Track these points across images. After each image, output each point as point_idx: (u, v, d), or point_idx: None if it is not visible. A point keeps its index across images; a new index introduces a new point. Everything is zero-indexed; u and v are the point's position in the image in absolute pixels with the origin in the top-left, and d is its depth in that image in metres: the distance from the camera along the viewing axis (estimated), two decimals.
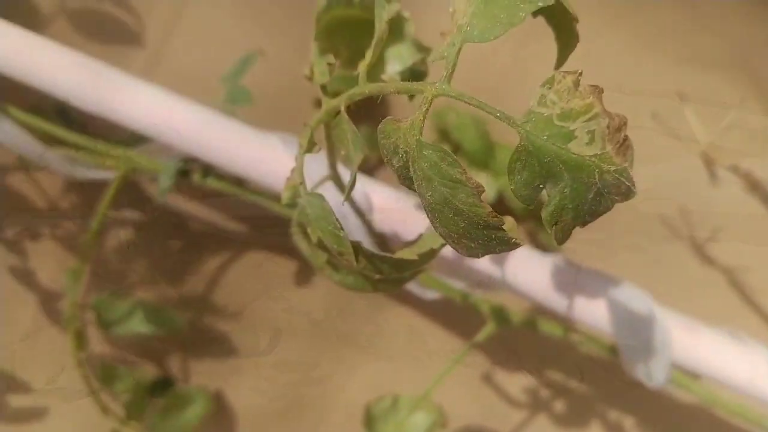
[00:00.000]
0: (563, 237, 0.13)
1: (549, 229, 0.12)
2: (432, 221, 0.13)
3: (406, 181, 0.14)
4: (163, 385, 0.37)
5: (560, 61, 0.16)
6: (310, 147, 0.16)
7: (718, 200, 0.38)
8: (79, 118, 0.35)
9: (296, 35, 0.36)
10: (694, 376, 0.26)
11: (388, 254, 0.16)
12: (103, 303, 0.33)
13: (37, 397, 0.37)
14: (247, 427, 0.39)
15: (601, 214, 0.13)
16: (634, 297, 0.25)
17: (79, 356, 0.32)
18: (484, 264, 0.25)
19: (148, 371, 0.38)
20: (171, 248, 0.37)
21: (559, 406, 0.41)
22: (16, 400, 0.37)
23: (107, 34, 0.36)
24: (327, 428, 0.40)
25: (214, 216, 0.37)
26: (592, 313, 0.25)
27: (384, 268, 0.16)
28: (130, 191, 0.35)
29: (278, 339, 0.38)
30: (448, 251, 0.27)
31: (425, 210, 0.13)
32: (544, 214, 0.12)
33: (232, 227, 0.37)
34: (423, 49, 0.19)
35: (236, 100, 0.26)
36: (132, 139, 0.34)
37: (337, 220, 0.15)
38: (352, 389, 0.40)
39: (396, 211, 0.24)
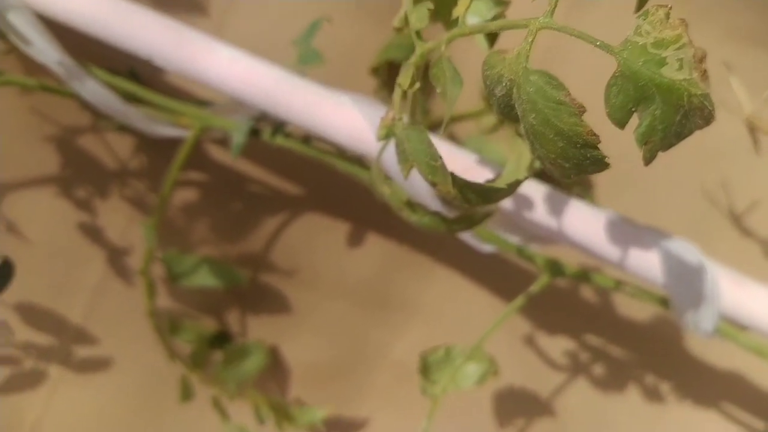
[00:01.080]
0: (650, 157, 0.14)
1: (640, 147, 0.14)
2: (532, 144, 0.15)
3: (506, 109, 0.15)
4: (223, 339, 0.39)
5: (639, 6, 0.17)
6: (412, 83, 0.18)
7: (761, 170, 0.39)
8: (148, 81, 0.37)
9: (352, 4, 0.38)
10: (740, 327, 0.28)
11: (478, 182, 0.17)
12: (171, 257, 0.35)
13: (103, 348, 0.40)
14: (299, 381, 0.41)
15: (684, 137, 0.14)
16: (684, 248, 0.27)
17: (151, 305, 0.34)
18: (541, 215, 0.27)
19: (209, 326, 0.40)
20: (231, 209, 0.39)
21: (597, 369, 0.42)
22: (84, 351, 0.40)
23: (172, 3, 0.38)
24: (374, 387, 0.41)
25: (273, 179, 0.39)
26: (645, 263, 0.27)
27: (473, 197, 0.17)
28: (194, 153, 0.37)
29: (329, 297, 0.40)
30: (507, 204, 0.28)
31: (526, 135, 0.15)
32: (636, 134, 0.14)
33: (290, 189, 0.39)
34: (501, 2, 0.21)
35: (307, 61, 0.28)
36: (199, 101, 0.36)
37: (434, 150, 0.17)
38: (399, 350, 0.42)
39: (459, 161, 0.26)
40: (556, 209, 0.27)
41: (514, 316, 0.42)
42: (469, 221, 0.22)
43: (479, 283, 0.41)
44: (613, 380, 0.42)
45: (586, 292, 0.42)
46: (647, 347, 0.41)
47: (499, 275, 0.41)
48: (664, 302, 0.29)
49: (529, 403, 0.42)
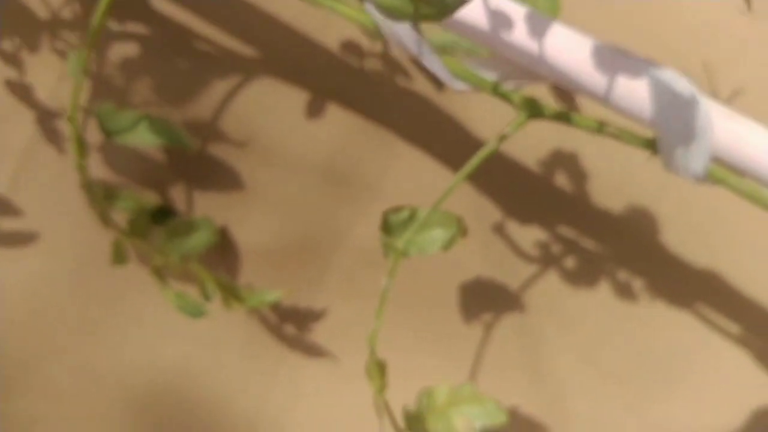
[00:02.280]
0: None
1: None
2: None
3: None
4: (165, 213, 0.35)
5: None
6: None
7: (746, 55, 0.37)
8: None
9: None
10: (734, 171, 0.25)
11: None
12: (106, 111, 0.31)
13: (30, 221, 0.36)
14: (251, 265, 0.37)
15: None
16: (676, 79, 0.24)
17: (81, 162, 0.30)
18: (521, 37, 0.24)
19: (151, 199, 0.36)
20: (177, 69, 0.35)
21: (569, 262, 0.40)
22: (8, 223, 0.36)
23: None
24: (334, 275, 0.38)
25: (225, 38, 0.35)
26: (633, 94, 0.24)
27: None
28: (136, 3, 0.33)
29: (285, 173, 0.37)
30: (483, 23, 0.25)
31: None
32: None
33: (244, 50, 0.36)
34: None
35: None
36: None
37: None
38: (361, 234, 0.38)
39: None
40: (538, 31, 0.24)
41: (484, 204, 0.39)
42: (442, 6, 0.19)
43: (448, 162, 0.38)
44: (585, 274, 0.39)
45: (561, 179, 0.39)
46: (621, 241, 0.39)
47: (469, 154, 0.38)
48: (650, 144, 0.26)
49: (496, 297, 0.39)
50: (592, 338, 0.39)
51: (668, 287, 0.39)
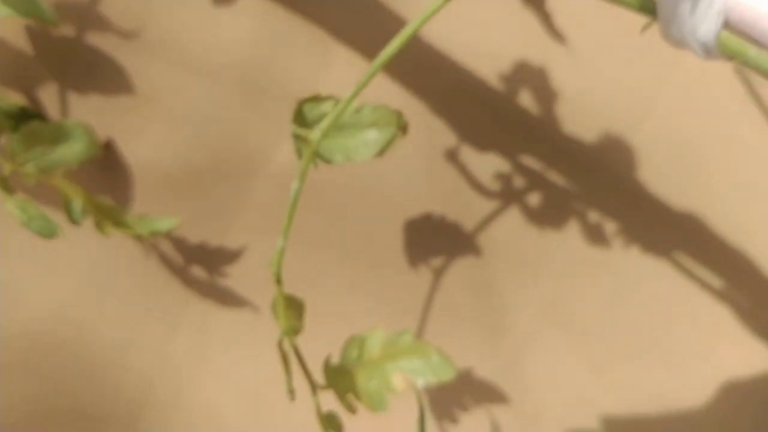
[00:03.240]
0: None
1: None
2: None
3: None
4: (28, 117, 0.27)
5: None
6: None
7: None
8: None
9: None
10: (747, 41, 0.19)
11: None
12: None
13: None
14: (144, 190, 0.30)
15: None
16: None
17: None
18: None
19: (15, 100, 0.28)
20: None
21: (533, 199, 0.33)
22: None
23: None
24: (251, 204, 0.31)
25: None
26: None
27: None
28: None
29: (187, 75, 0.29)
30: None
31: None
32: None
33: None
34: None
35: None
36: None
37: None
38: (284, 155, 0.31)
39: None
40: None
41: (435, 126, 0.33)
42: None
43: (393, 65, 0.31)
44: (551, 214, 0.33)
45: (526, 99, 0.32)
46: (593, 176, 0.32)
47: (421, 57, 0.32)
48: (645, 6, 0.19)
49: (447, 238, 0.32)
50: (556, 289, 0.33)
51: (644, 232, 0.33)
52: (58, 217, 0.26)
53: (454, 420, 0.34)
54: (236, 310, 0.31)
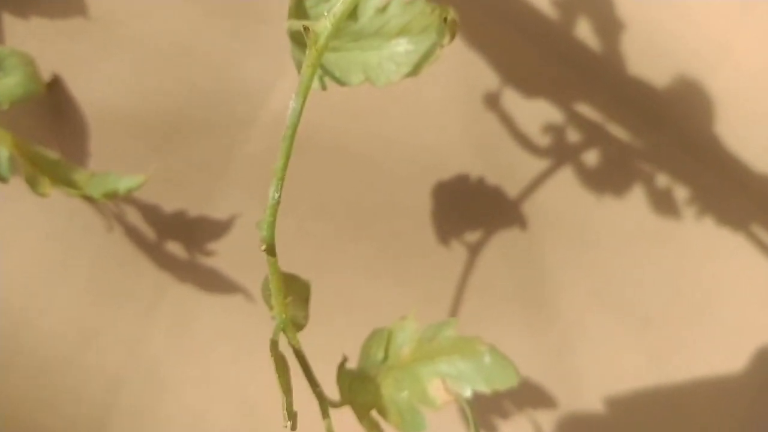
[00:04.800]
0: None
1: None
2: None
3: None
4: None
5: None
6: None
7: None
8: None
9: None
10: None
11: None
12: None
13: None
14: (103, 143, 0.23)
15: None
16: None
17: None
18: None
19: None
20: None
21: (590, 158, 0.27)
22: None
23: None
24: (239, 155, 0.24)
25: None
26: None
27: None
28: None
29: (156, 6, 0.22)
30: None
31: None
32: None
33: None
34: None
35: None
36: None
37: None
38: (276, 98, 0.25)
39: None
40: None
41: (472, 62, 0.26)
42: None
43: None
44: (610, 177, 0.27)
45: (582, 31, 0.26)
46: (662, 132, 0.26)
47: None
48: None
49: (487, 204, 0.26)
50: (613, 267, 0.27)
51: (719, 199, 0.27)
52: None
53: (491, 427, 0.28)
54: (223, 297, 0.25)
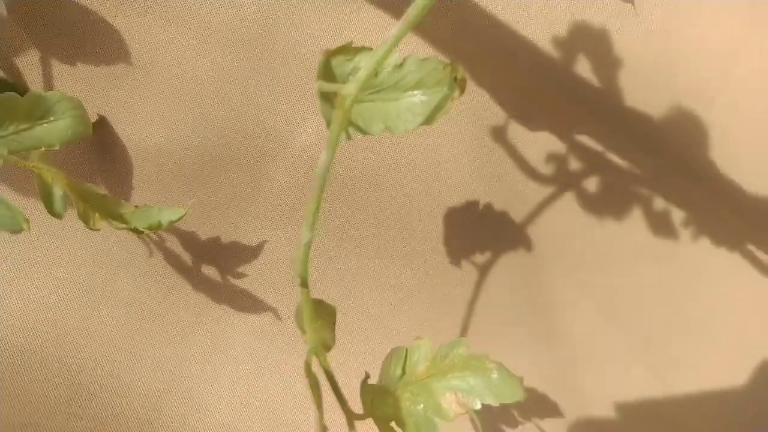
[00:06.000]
0: None
1: None
2: None
3: None
4: (5, 87, 0.23)
5: None
6: None
7: None
8: None
9: None
10: None
11: None
12: None
13: None
14: (145, 178, 0.25)
15: None
16: None
17: None
18: None
19: None
20: None
21: (591, 185, 0.28)
22: None
23: None
24: (268, 186, 0.26)
25: None
26: None
27: None
28: None
29: (195, 42, 0.24)
30: None
31: None
32: None
33: None
34: None
35: None
36: None
37: None
38: (302, 136, 0.26)
39: None
40: None
41: (482, 100, 0.27)
42: None
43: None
44: (611, 201, 0.28)
45: (583, 67, 0.27)
46: (661, 159, 0.27)
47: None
48: None
49: (495, 228, 0.27)
50: (616, 286, 0.28)
51: (716, 221, 0.27)
52: (35, 210, 0.21)
53: None
54: (254, 317, 0.26)
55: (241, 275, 0.26)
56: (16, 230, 0.17)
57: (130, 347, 0.26)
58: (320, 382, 0.16)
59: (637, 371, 0.28)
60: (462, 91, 0.16)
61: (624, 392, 0.28)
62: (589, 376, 0.28)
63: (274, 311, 0.26)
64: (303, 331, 0.15)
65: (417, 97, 0.17)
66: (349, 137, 0.17)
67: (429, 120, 0.17)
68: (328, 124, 0.15)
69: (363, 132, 0.17)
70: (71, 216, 0.22)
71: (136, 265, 0.25)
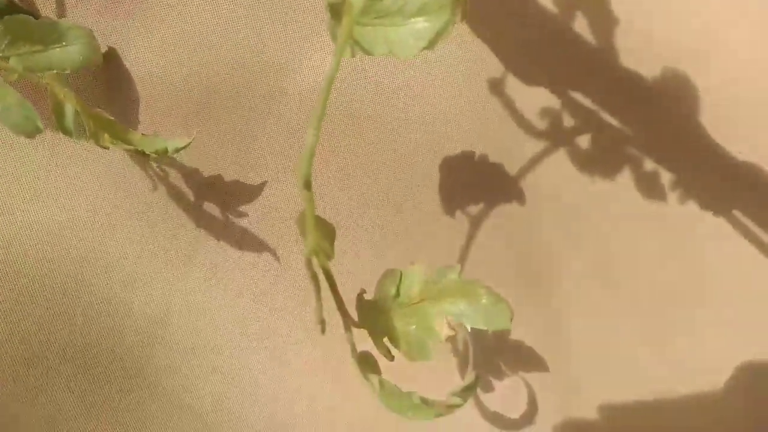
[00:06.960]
0: None
1: None
2: None
3: None
4: (17, 11, 0.23)
5: None
6: None
7: None
8: None
9: None
10: None
11: None
12: None
13: None
14: (151, 110, 0.26)
15: None
16: None
17: None
18: None
19: None
20: None
21: (583, 142, 0.28)
22: None
23: None
24: (272, 123, 0.26)
25: None
26: None
27: None
28: None
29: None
30: None
31: None
32: None
33: None
34: None
35: None
36: None
37: None
38: (305, 74, 0.27)
39: None
40: None
41: (480, 52, 0.28)
42: None
43: None
44: (603, 159, 0.28)
45: (581, 24, 0.28)
46: (654, 120, 0.28)
47: None
48: None
49: (489, 180, 0.28)
50: (606, 245, 0.28)
51: (706, 184, 0.28)
52: (43, 139, 0.21)
53: (486, 387, 0.29)
54: (252, 255, 0.27)
55: (242, 213, 0.26)
56: (32, 134, 0.17)
57: (132, 271, 0.26)
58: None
59: (623, 330, 0.29)
60: (465, 14, 0.17)
61: (610, 350, 0.29)
62: (575, 333, 0.29)
63: (272, 250, 0.26)
64: (303, 235, 0.16)
65: (420, 23, 0.18)
66: (353, 55, 0.17)
67: (431, 45, 0.18)
68: (334, 38, 0.16)
69: (367, 53, 0.18)
70: (77, 148, 0.22)
71: (140, 196, 0.26)
